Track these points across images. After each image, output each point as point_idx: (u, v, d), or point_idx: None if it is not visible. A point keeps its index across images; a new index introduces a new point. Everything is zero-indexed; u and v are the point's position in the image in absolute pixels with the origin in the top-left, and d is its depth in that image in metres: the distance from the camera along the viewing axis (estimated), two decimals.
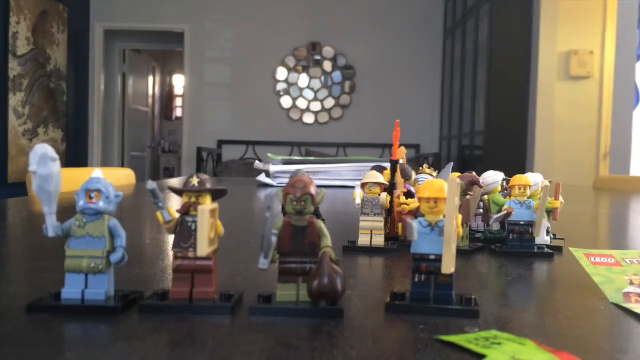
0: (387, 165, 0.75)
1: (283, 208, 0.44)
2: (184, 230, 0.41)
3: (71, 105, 6.35)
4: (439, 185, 0.43)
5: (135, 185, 1.97)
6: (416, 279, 0.42)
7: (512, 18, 4.71)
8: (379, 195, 0.68)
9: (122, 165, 7.29)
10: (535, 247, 0.68)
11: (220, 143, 6.74)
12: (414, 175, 0.78)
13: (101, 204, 0.41)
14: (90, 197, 0.41)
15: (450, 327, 0.38)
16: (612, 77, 4.23)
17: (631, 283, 0.48)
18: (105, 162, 6.97)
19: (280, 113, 6.74)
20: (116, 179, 2.00)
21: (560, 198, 0.70)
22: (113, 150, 7.27)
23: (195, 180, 0.42)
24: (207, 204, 0.41)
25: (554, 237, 0.75)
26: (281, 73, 6.71)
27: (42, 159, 0.40)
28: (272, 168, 2.02)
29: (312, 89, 6.74)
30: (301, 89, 6.73)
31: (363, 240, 0.68)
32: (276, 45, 6.67)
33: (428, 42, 6.67)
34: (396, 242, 0.69)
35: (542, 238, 0.70)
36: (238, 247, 0.70)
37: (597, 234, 1.04)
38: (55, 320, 0.38)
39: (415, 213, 0.59)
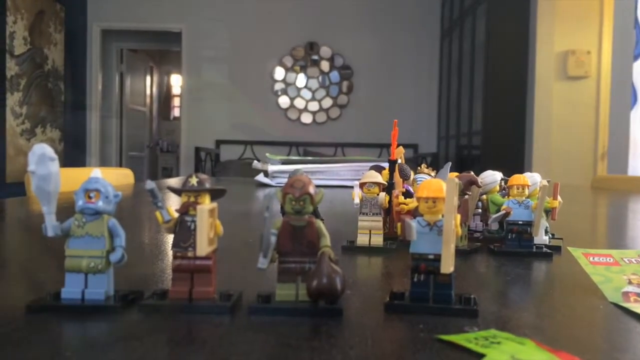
0: (386, 165, 0.75)
1: (282, 208, 0.43)
2: (184, 230, 0.41)
3: (69, 105, 6.33)
4: (437, 185, 0.42)
5: (134, 185, 1.97)
6: (415, 279, 0.42)
7: (509, 18, 4.71)
8: (378, 195, 0.68)
9: (121, 165, 7.28)
10: (534, 246, 0.68)
11: (219, 143, 6.74)
12: (412, 175, 0.78)
13: (100, 204, 0.41)
14: (90, 197, 0.41)
15: (450, 326, 0.38)
16: (609, 77, 4.23)
17: (630, 282, 0.48)
18: (103, 162, 6.96)
19: (278, 113, 6.74)
20: (115, 179, 2.00)
21: (559, 198, 0.71)
22: (111, 150, 7.26)
23: (194, 180, 0.42)
24: (206, 204, 0.41)
25: (553, 236, 0.75)
26: (279, 73, 6.71)
27: (41, 159, 0.40)
28: (271, 168, 2.01)
29: (309, 89, 6.74)
30: (299, 89, 6.73)
31: (362, 240, 0.68)
32: (274, 45, 6.66)
33: (425, 42, 6.67)
34: (395, 242, 0.69)
35: (541, 238, 0.70)
36: (237, 247, 0.70)
37: (595, 234, 1.04)
38: (55, 320, 0.38)
39: (414, 213, 0.59)
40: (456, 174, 0.72)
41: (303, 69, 6.72)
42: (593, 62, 4.44)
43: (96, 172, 0.42)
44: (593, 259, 0.53)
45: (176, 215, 0.42)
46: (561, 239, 0.75)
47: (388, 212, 0.72)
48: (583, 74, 4.43)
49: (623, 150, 3.76)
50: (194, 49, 6.67)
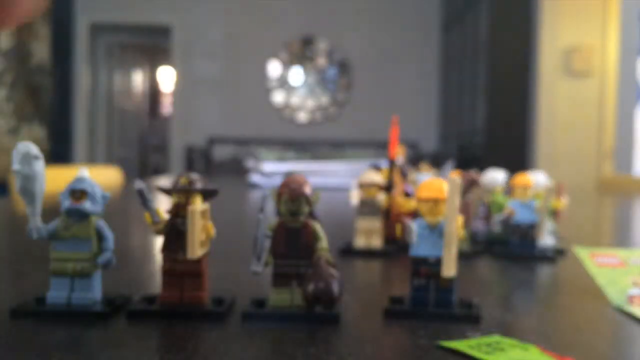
0: (385, 164, 0.73)
1: (277, 209, 0.42)
2: (174, 232, 0.40)
3: (56, 103, 6.27)
4: (438, 185, 0.41)
5: (123, 184, 1.96)
6: (415, 283, 0.41)
7: (512, 14, 4.71)
8: (377, 195, 0.67)
9: (109, 164, 7.21)
10: (538, 248, 0.66)
11: (211, 141, 6.70)
12: (412, 175, 0.77)
13: (87, 205, 0.39)
14: (76, 198, 0.39)
15: (452, 332, 0.37)
16: (614, 73, 4.23)
17: (635, 284, 0.47)
18: (91, 161, 6.87)
19: (274, 110, 6.72)
20: (103, 178, 1.98)
21: (563, 198, 0.69)
22: (99, 149, 7.18)
23: (185, 180, 0.40)
24: (197, 205, 0.40)
25: (557, 238, 0.74)
26: (274, 69, 6.68)
27: (25, 158, 0.38)
28: (266, 167, 2.00)
29: (306, 85, 6.73)
30: (295, 86, 6.71)
31: (360, 242, 0.67)
32: (269, 41, 6.63)
33: (426, 37, 6.65)
34: (394, 245, 0.68)
35: (545, 239, 0.69)
36: (230, 250, 0.68)
37: (600, 234, 1.03)
38: (40, 325, 0.37)
39: (415, 214, 0.58)
40: (457, 173, 0.71)
41: (300, 64, 6.70)
42: (597, 59, 4.44)
43: (83, 171, 0.40)
44: (599, 259, 0.52)
45: (166, 216, 0.41)
46: (566, 239, 0.74)
47: (387, 214, 0.71)
48: (587, 70, 4.43)
49: (629, 149, 3.76)
50: (186, 45, 6.62)
